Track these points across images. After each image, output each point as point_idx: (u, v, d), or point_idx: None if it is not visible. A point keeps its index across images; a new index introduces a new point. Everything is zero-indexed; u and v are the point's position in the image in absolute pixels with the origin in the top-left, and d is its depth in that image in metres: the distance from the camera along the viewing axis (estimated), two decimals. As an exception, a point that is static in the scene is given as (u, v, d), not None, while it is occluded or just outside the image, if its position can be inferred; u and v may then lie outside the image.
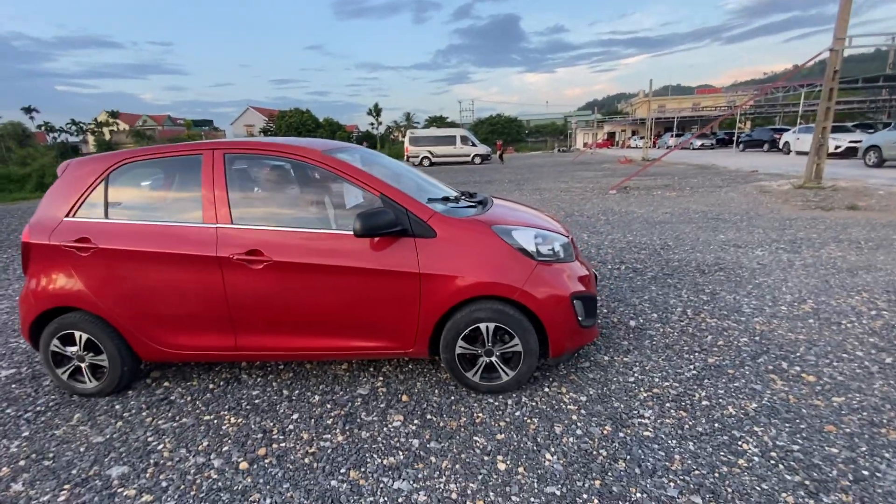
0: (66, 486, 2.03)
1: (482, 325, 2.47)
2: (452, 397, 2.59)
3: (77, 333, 2.67)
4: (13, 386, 2.96)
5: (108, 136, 48.49)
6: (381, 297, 2.48)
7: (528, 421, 2.34)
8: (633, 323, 3.44)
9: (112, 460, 2.20)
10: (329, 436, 2.30)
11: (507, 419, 2.36)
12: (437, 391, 2.65)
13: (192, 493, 1.96)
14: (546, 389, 2.62)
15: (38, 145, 43.13)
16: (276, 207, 2.64)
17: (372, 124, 59.50)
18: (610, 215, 8.01)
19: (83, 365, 2.72)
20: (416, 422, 2.38)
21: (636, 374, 2.73)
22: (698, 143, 32.48)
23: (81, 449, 2.30)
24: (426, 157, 28.44)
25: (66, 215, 2.66)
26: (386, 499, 1.87)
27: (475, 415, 2.41)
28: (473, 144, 28.65)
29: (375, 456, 2.13)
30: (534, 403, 2.49)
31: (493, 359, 2.54)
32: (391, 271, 2.43)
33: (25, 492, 2.00)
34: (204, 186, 2.57)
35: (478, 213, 2.76)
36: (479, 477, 1.97)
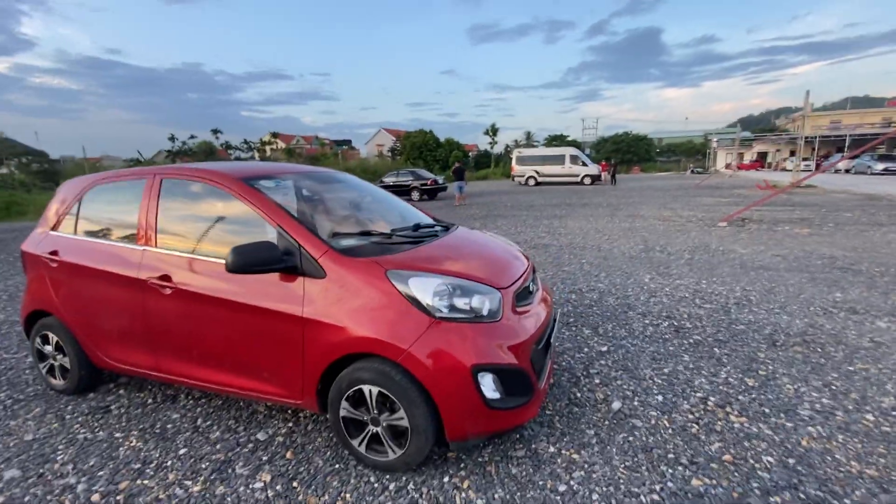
0: (-38, 482, 2.20)
1: (365, 388, 2.08)
2: (336, 466, 2.23)
3: (51, 335, 2.97)
4: (15, 371, 3.43)
5: (268, 153, 56.73)
6: (264, 338, 2.26)
7: (392, 518, 1.88)
8: (617, 405, 2.65)
9: (17, 461, 2.33)
10: (189, 483, 2.14)
11: (371, 509, 1.93)
12: (327, 454, 2.32)
13: (31, 518, 1.95)
14: (444, 479, 2.11)
15: (221, 160, 52.68)
16: (191, 233, 2.60)
17: (490, 143, 60.37)
18: (698, 254, 6.65)
19: (54, 364, 3.01)
20: (277, 487, 2.09)
21: (573, 483, 2.04)
22: (880, 166, 25.85)
23: (11, 443, 2.51)
24: (532, 177, 27.70)
25: (51, 229, 3.01)
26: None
27: (342, 495, 2.03)
28: (584, 164, 27.03)
29: (205, 521, 1.90)
30: (416, 496, 2.01)
31: (380, 430, 2.12)
32: (273, 311, 2.20)
33: (-66, 480, 2.22)
34: (140, 209, 2.66)
35: (404, 249, 2.39)
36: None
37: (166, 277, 2.46)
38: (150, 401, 2.93)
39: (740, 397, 2.68)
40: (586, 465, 2.15)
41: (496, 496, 1.98)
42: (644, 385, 2.87)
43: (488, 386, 2.02)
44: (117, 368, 2.82)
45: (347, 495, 2.03)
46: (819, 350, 3.28)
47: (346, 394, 2.13)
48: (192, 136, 49.21)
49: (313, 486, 2.09)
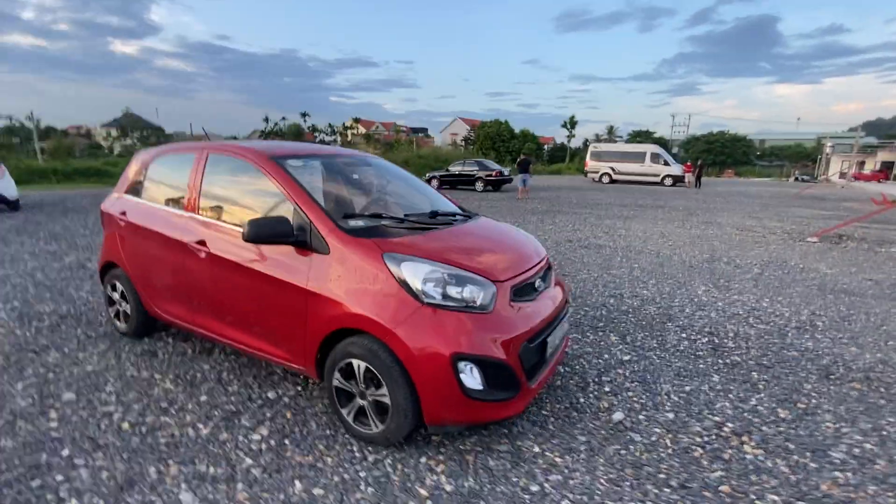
0: (36, 395, 2.64)
1: (355, 363, 2.18)
2: (327, 431, 2.37)
3: (118, 284, 3.43)
4: (95, 313, 3.99)
5: (349, 138, 59.15)
6: (276, 305, 2.44)
7: (361, 489, 1.97)
8: (618, 416, 2.52)
9: (76, 387, 2.76)
10: (201, 426, 2.39)
11: (344, 476, 2.03)
12: (322, 419, 2.47)
13: (83, 431, 2.30)
14: (421, 459, 2.16)
15: (307, 142, 55.86)
16: (226, 204, 2.84)
17: (567, 136, 58.28)
18: (771, 269, 5.99)
19: (120, 309, 3.48)
20: (271, 442, 2.27)
21: (546, 486, 1.99)
22: None
23: (74, 371, 2.96)
24: (606, 174, 26.35)
25: (124, 192, 3.45)
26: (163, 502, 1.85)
27: (324, 457, 2.16)
28: (666, 163, 25.17)
29: (202, 460, 2.12)
30: (390, 470, 2.08)
31: (366, 403, 2.22)
32: (283, 281, 2.37)
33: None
34: (189, 179, 2.97)
35: (409, 234, 2.44)
36: (248, 525, 1.76)
37: (202, 242, 2.73)
38: (189, 351, 3.29)
39: (765, 428, 2.43)
40: (566, 471, 2.09)
41: (465, 485, 1.99)
42: (657, 400, 2.69)
43: (469, 376, 2.03)
44: (164, 319, 3.19)
45: (328, 458, 2.15)
46: (882, 390, 2.85)
47: (338, 365, 2.24)
48: (283, 118, 52.71)
49: (301, 446, 2.24)
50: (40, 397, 2.64)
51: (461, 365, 2.01)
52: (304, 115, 63.62)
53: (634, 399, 2.70)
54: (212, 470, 2.07)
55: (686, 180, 24.94)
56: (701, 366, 3.15)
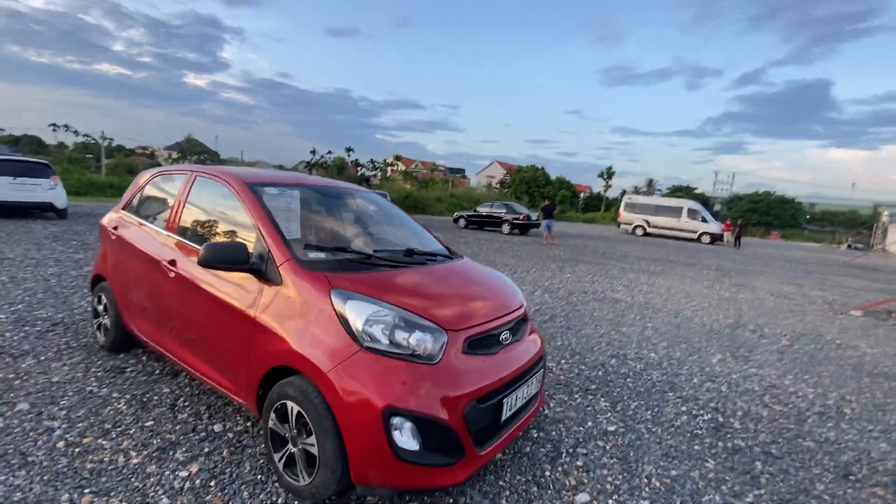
0: (-12, 404, 2.62)
1: (289, 404, 2.03)
2: (259, 477, 2.19)
3: (103, 297, 3.47)
4: (85, 323, 4.04)
5: (388, 174, 60.94)
6: (225, 332, 2.37)
7: (270, 548, 1.76)
8: (583, 498, 2.20)
9: (33, 398, 2.73)
10: (134, 454, 2.27)
11: (258, 532, 1.84)
12: (259, 462, 2.30)
13: (18, 444, 2.24)
14: (345, 522, 1.93)
15: (349, 175, 58.00)
16: (202, 226, 2.83)
17: (604, 186, 57.99)
18: (802, 343, 5.45)
19: (102, 322, 3.50)
20: (196, 481, 2.11)
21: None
22: None
23: (40, 381, 2.95)
24: (640, 227, 25.69)
25: (121, 208, 3.55)
26: None
27: (243, 507, 1.98)
28: (704, 220, 24.31)
29: (118, 493, 1.99)
30: (308, 531, 1.87)
31: (296, 451, 2.04)
32: (234, 308, 2.30)
33: (-26, 396, 2.69)
34: (175, 199, 3.01)
35: (369, 271, 2.33)
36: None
37: (173, 262, 2.72)
38: (157, 372, 3.24)
39: (757, 534, 2.06)
40: (505, 559, 1.81)
41: (385, 561, 1.76)
42: (634, 483, 2.36)
43: (403, 434, 1.83)
44: (137, 336, 3.17)
45: (247, 510, 1.97)
46: (914, 502, 2.39)
47: (275, 405, 2.10)
48: (329, 152, 55.24)
49: (225, 490, 2.07)
50: (-6, 405, 2.62)
51: (395, 421, 1.82)
52: (348, 149, 66.44)
53: (609, 479, 2.38)
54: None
55: (725, 239, 23.92)
56: (696, 447, 2.79)
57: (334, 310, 2.01)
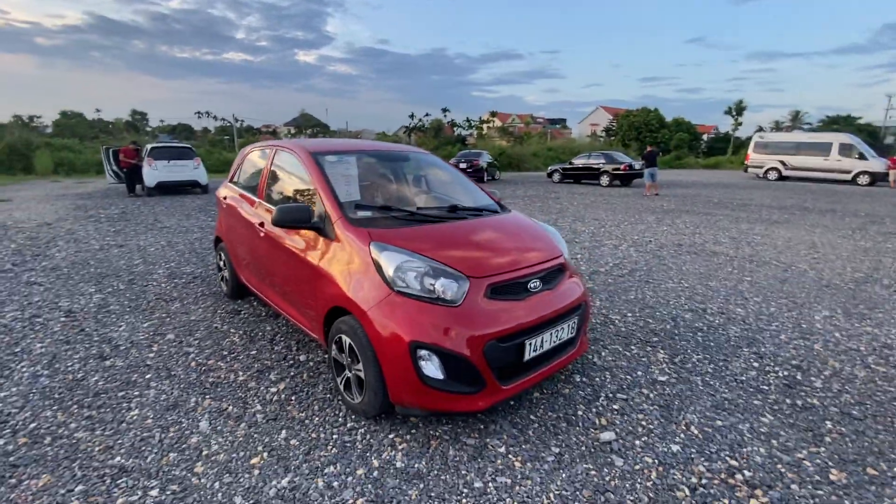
0: (147, 325, 3.53)
1: (343, 338, 2.43)
2: (327, 396, 2.68)
3: (222, 254, 4.29)
4: (216, 277, 5.01)
5: (484, 131, 60.07)
6: (301, 280, 2.83)
7: (327, 448, 2.22)
8: (607, 436, 2.29)
9: (175, 331, 3.59)
10: (241, 374, 2.93)
11: (320, 435, 2.31)
12: (329, 385, 2.79)
13: (166, 362, 3.04)
14: (390, 434, 2.31)
15: (445, 135, 58.56)
16: (281, 192, 3.32)
17: (733, 125, 50.20)
18: (955, 300, 4.49)
19: (224, 275, 4.35)
20: (282, 396, 2.67)
21: (490, 485, 1.98)
22: None
23: (182, 319, 3.84)
24: (774, 169, 22.04)
25: (229, 180, 4.27)
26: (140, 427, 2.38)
27: (313, 416, 2.47)
28: (861, 157, 19.95)
29: (228, 399, 2.62)
30: (357, 438, 2.28)
31: (351, 376, 2.46)
32: (305, 259, 2.74)
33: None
34: (263, 170, 3.56)
35: (408, 226, 2.59)
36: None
37: (262, 223, 3.28)
38: (262, 314, 3.97)
39: (795, 487, 1.97)
40: (519, 477, 2.03)
41: (415, 466, 2.10)
42: (668, 429, 2.37)
43: (429, 364, 2.11)
44: (246, 286, 3.90)
45: (316, 418, 2.46)
46: None
47: (334, 338, 2.53)
48: (426, 115, 56.10)
49: (302, 403, 2.60)
50: (153, 334, 3.52)
51: (421, 353, 2.10)
52: (444, 110, 66.46)
53: (642, 423, 2.43)
54: (230, 408, 2.55)
55: (891, 178, 19.43)
56: (755, 402, 2.64)
57: (372, 259, 2.32)
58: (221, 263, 4.34)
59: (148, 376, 2.89)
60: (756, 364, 3.11)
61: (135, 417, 2.46)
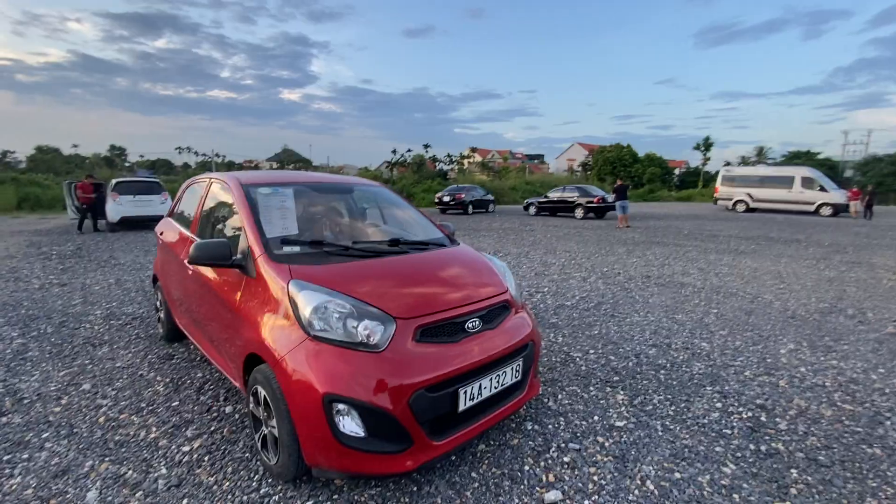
0: (64, 372, 3.17)
1: (259, 389, 2.17)
2: (246, 455, 2.37)
3: (159, 293, 3.99)
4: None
5: (465, 166, 61.05)
6: (222, 322, 2.58)
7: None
8: (552, 496, 2.04)
9: (95, 380, 3.24)
10: (154, 430, 2.60)
11: (227, 504, 2.00)
12: (251, 442, 2.49)
13: (71, 418, 2.69)
14: (308, 502, 2.02)
15: (427, 170, 59.32)
16: (213, 226, 3.10)
17: (702, 160, 52.35)
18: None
19: (160, 316, 4.03)
20: (195, 455, 2.35)
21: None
22: None
23: (106, 366, 3.48)
24: (741, 202, 22.78)
25: (168, 215, 4.03)
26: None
27: (224, 481, 2.16)
28: (822, 189, 20.80)
29: (130, 463, 2.29)
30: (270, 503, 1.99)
31: (267, 432, 2.17)
32: (224, 300, 2.50)
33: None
34: (197, 204, 3.35)
35: (337, 262, 2.38)
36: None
37: (192, 261, 3.04)
38: (197, 359, 3.64)
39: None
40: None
41: (329, 541, 1.81)
42: (623, 485, 2.14)
43: (347, 420, 1.87)
44: (179, 327, 3.60)
45: (226, 483, 2.15)
46: None
47: (251, 389, 2.26)
48: (408, 150, 56.93)
49: (214, 465, 2.28)
50: (67, 385, 3.16)
51: (338, 407, 1.86)
52: (426, 146, 67.81)
53: (593, 478, 2.19)
54: (130, 473, 2.22)
55: (851, 209, 20.24)
56: (717, 449, 2.44)
57: (290, 298, 2.09)
58: (158, 303, 4.04)
59: (45, 435, 2.54)
60: (719, 405, 2.93)
61: (14, 487, 2.11)
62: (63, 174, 29.43)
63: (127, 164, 55.06)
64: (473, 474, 2.23)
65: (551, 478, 2.20)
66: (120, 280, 6.38)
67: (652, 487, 2.13)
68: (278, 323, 2.10)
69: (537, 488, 2.12)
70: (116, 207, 11.88)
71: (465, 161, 66.08)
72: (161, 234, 3.90)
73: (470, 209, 20.50)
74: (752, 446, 2.47)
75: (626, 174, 46.75)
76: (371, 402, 1.85)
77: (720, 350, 3.89)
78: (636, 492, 2.10)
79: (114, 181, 12.56)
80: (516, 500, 2.04)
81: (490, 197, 22.24)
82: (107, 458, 2.34)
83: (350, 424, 1.87)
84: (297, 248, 2.48)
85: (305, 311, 2.01)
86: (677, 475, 2.22)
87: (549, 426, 2.66)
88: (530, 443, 2.50)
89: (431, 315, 2.13)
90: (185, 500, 2.03)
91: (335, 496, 2.07)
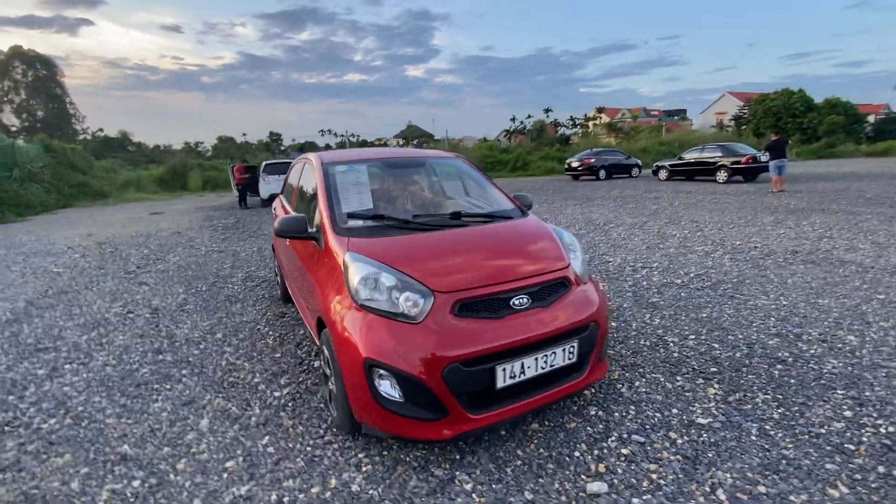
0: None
1: (324, 348, 2.41)
2: (320, 406, 2.67)
3: (275, 262, 4.62)
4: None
5: (590, 129, 57.25)
6: (307, 289, 2.88)
7: (296, 461, 2.20)
8: (597, 487, 1.88)
9: (225, 331, 3.94)
10: (258, 376, 3.09)
11: (296, 446, 2.30)
12: (318, 395, 2.79)
13: (203, 361, 3.35)
14: (359, 455, 2.20)
15: (548, 136, 57.00)
16: (304, 201, 3.42)
17: (914, 101, 40.33)
18: None
19: (278, 280, 4.68)
20: (282, 401, 2.74)
21: (438, 526, 1.76)
22: None
23: (235, 320, 4.21)
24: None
25: (280, 192, 4.59)
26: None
27: (297, 426, 2.48)
28: None
29: (234, 400, 2.77)
30: (327, 454, 2.22)
31: (327, 389, 2.41)
32: (307, 270, 2.80)
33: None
34: (295, 182, 3.75)
35: (394, 235, 2.47)
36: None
37: (288, 232, 3.45)
38: (300, 318, 4.16)
39: None
40: (473, 522, 1.78)
41: (370, 492, 1.96)
42: (686, 489, 1.89)
43: (386, 385, 1.98)
44: (289, 291, 4.14)
45: (300, 428, 2.46)
46: None
47: (321, 348, 2.52)
48: (528, 116, 55.09)
49: (296, 411, 2.63)
50: (206, 332, 3.91)
51: (379, 372, 1.97)
52: (546, 110, 64.71)
53: (650, 476, 1.97)
54: (233, 409, 2.68)
55: None
56: (829, 466, 1.98)
57: (344, 270, 2.25)
58: (276, 270, 4.69)
59: (184, 372, 3.20)
60: (849, 413, 2.35)
61: (156, 409, 2.73)
62: (233, 159, 35.40)
63: (282, 149, 63.62)
64: (519, 451, 2.19)
65: (601, 468, 2.04)
66: (261, 248, 7.55)
67: (723, 497, 1.84)
68: (336, 291, 2.28)
69: (583, 476, 2.00)
70: (266, 186, 13.93)
71: (591, 123, 61.54)
72: (274, 208, 4.48)
73: (602, 174, 19.55)
74: (881, 469, 1.95)
75: (794, 126, 38.63)
76: (406, 371, 1.92)
77: (873, 346, 3.09)
78: (700, 499, 1.83)
79: (264, 163, 14.70)
80: (555, 486, 1.95)
81: (634, 161, 20.80)
82: (220, 395, 2.86)
83: (389, 389, 1.97)
84: (360, 222, 2.64)
85: (354, 280, 2.15)
86: (762, 489, 1.87)
87: (616, 414, 2.45)
88: (588, 428, 2.34)
89: (472, 290, 2.09)
90: (265, 437, 2.39)
91: (384, 452, 2.22)
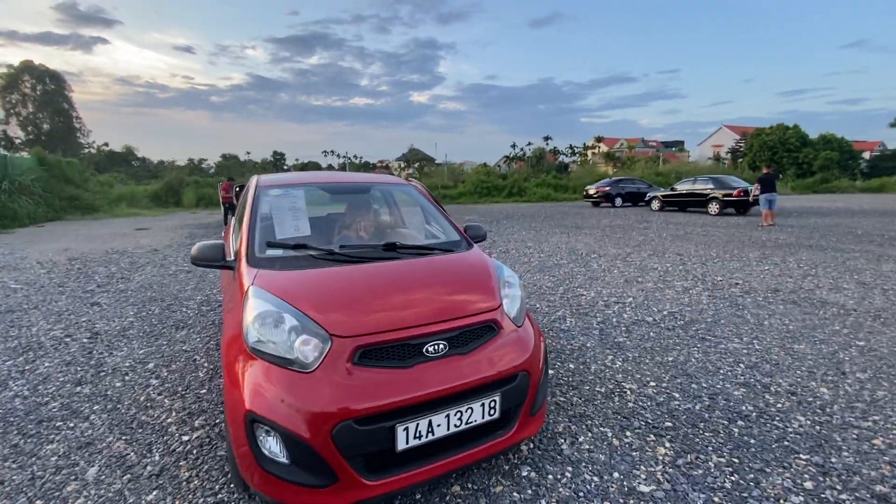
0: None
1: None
2: (227, 453, 2.41)
3: (227, 286, 4.40)
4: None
5: (588, 157, 57.99)
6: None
7: (176, 523, 1.92)
8: None
9: (161, 359, 3.68)
10: (166, 416, 2.82)
11: (182, 505, 2.03)
12: (238, 440, 2.52)
13: (121, 391, 3.09)
14: (246, 518, 1.93)
15: (547, 163, 57.37)
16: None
17: (909, 139, 40.82)
18: None
19: (228, 305, 4.45)
20: (185, 448, 2.47)
21: None
22: None
23: (177, 348, 3.95)
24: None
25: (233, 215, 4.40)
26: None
27: (193, 479, 2.21)
28: None
29: (127, 437, 2.50)
30: (214, 517, 1.95)
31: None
32: (224, 300, 2.57)
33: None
34: (242, 203, 3.56)
35: (309, 267, 2.25)
36: None
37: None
38: (246, 348, 3.92)
39: None
40: None
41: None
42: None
43: (270, 443, 1.73)
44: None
45: (195, 481, 2.19)
46: None
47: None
48: (528, 143, 55.71)
49: (198, 460, 2.36)
50: (138, 362, 3.65)
51: (260, 427, 1.73)
52: (546, 138, 65.71)
53: (572, 559, 1.70)
54: (130, 455, 2.41)
55: None
56: (778, 554, 1.70)
57: (244, 307, 2.02)
58: (226, 294, 4.46)
59: (96, 407, 2.93)
60: (810, 484, 2.08)
61: (48, 452, 2.45)
62: (239, 177, 35.52)
63: (285, 168, 64.21)
64: (429, 522, 1.92)
65: (517, 547, 1.77)
66: (230, 269, 7.32)
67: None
68: (234, 329, 2.05)
69: (493, 558, 1.72)
70: (253, 205, 13.81)
71: (589, 152, 62.28)
72: (223, 235, 4.28)
73: (618, 202, 19.66)
74: (840, 561, 1.68)
75: (790, 160, 39.01)
76: (289, 428, 1.67)
77: (846, 401, 2.83)
78: None
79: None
80: (460, 569, 1.68)
81: (657, 191, 20.73)
82: (123, 437, 2.58)
83: (274, 448, 1.72)
84: (280, 252, 2.43)
85: (248, 318, 1.92)
86: (696, 582, 1.60)
87: (550, 476, 2.18)
88: (516, 494, 2.07)
89: (376, 334, 1.86)
90: (154, 492, 2.12)
91: (278, 517, 1.95)
